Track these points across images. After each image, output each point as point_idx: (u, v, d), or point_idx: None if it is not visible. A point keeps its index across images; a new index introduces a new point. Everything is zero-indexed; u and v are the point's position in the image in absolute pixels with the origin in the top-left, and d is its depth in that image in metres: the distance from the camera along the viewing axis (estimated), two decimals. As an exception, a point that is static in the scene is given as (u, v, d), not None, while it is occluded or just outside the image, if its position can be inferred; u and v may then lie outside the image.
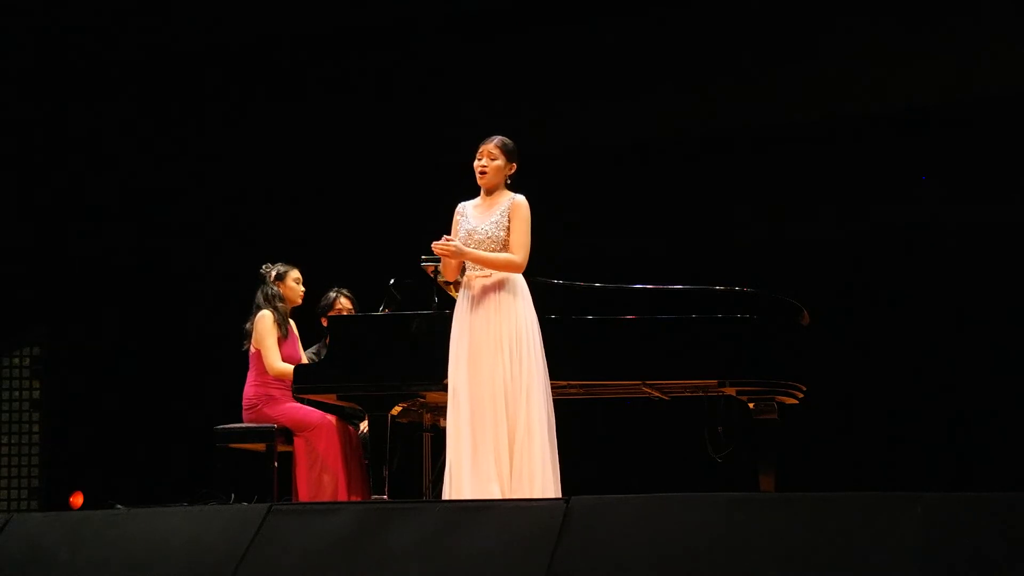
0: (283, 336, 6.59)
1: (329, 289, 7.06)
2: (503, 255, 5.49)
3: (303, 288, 6.76)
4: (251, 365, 6.62)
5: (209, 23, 8.89)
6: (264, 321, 6.57)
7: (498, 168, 5.56)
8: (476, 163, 5.58)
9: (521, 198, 5.55)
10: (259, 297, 6.67)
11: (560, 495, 5.31)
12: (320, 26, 8.99)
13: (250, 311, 6.69)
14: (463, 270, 5.60)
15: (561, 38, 8.76)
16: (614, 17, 8.62)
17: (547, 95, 8.78)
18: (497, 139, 5.58)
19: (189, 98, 9.34)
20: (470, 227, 5.54)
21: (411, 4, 8.76)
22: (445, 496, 5.35)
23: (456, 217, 5.64)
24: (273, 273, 6.70)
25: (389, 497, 5.95)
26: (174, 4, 8.81)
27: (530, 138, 8.40)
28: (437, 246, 5.47)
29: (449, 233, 5.59)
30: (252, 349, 6.61)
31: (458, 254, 5.45)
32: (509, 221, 5.50)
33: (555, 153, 8.74)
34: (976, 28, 8.02)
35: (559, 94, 8.78)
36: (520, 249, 5.48)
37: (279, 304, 6.63)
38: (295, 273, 6.75)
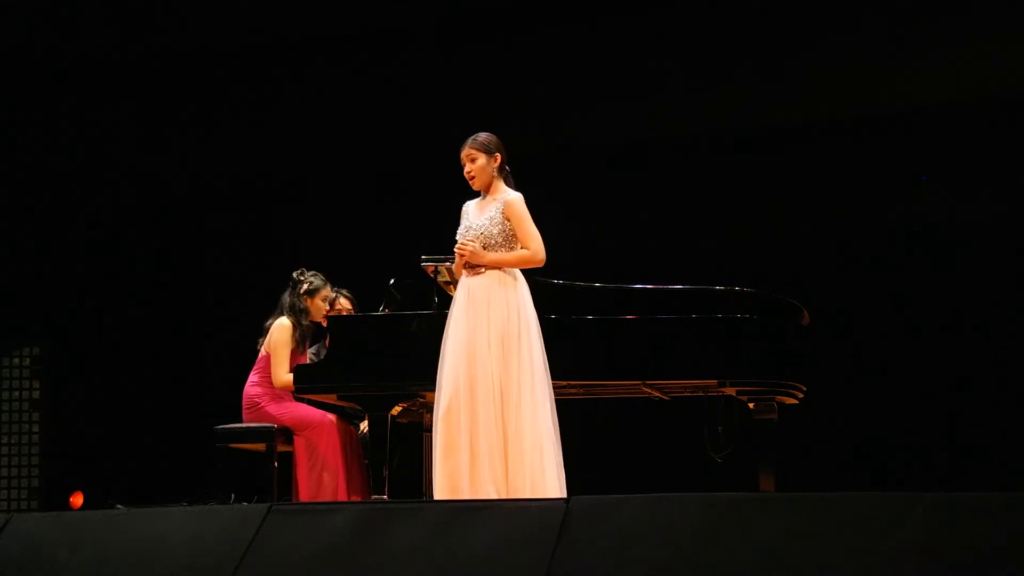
0: (299, 351, 6.60)
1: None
2: (518, 252, 5.49)
3: (328, 307, 6.75)
4: (256, 366, 6.62)
5: (210, 23, 8.89)
6: (283, 331, 6.56)
7: (482, 167, 5.57)
8: (464, 173, 5.61)
9: (514, 195, 5.55)
10: (285, 302, 6.65)
11: (564, 493, 5.31)
12: (320, 27, 8.99)
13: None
14: None
15: (561, 38, 8.76)
16: (615, 18, 8.63)
17: (548, 95, 8.78)
18: (468, 141, 5.60)
19: (190, 98, 9.35)
20: (468, 224, 5.57)
21: (412, 4, 8.76)
22: (437, 495, 5.33)
23: (462, 216, 5.65)
24: (305, 286, 6.68)
25: (389, 497, 5.95)
26: (176, 4, 8.81)
27: (530, 138, 8.47)
28: (458, 245, 5.49)
29: (456, 234, 5.60)
30: (262, 351, 6.61)
31: (475, 255, 5.46)
32: (506, 220, 5.50)
33: (555, 153, 8.75)
34: (976, 28, 8.02)
35: (560, 94, 8.78)
36: (530, 242, 5.49)
37: (304, 322, 6.63)
38: (326, 292, 6.73)
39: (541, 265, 5.55)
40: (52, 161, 9.48)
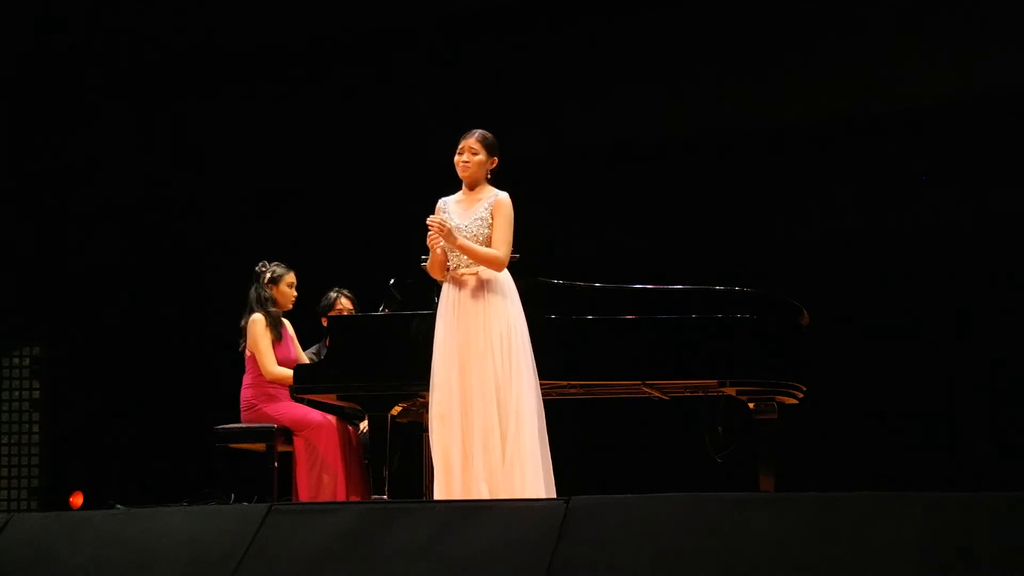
0: (277, 339, 6.57)
1: (329, 289, 7.06)
2: (488, 250, 5.45)
3: (296, 293, 6.73)
4: (247, 367, 6.62)
5: (209, 24, 8.89)
6: (256, 325, 6.54)
7: (480, 163, 5.53)
8: (457, 158, 5.55)
9: (504, 195, 5.53)
10: (252, 296, 6.64)
11: (553, 494, 5.32)
12: (319, 26, 8.99)
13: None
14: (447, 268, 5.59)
15: (560, 38, 8.76)
16: (613, 18, 8.63)
17: (547, 94, 8.78)
18: (478, 133, 5.55)
19: (188, 98, 9.35)
20: (453, 224, 5.50)
21: (412, 4, 8.76)
22: (436, 496, 5.34)
23: (438, 212, 5.58)
24: (268, 275, 6.65)
25: (389, 497, 5.95)
26: (176, 5, 8.80)
27: (530, 138, 8.47)
28: (433, 220, 5.42)
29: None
30: (247, 352, 6.60)
31: (450, 236, 5.40)
32: (492, 218, 5.49)
33: (555, 153, 8.75)
34: (975, 28, 8.02)
35: (559, 93, 8.78)
36: (502, 246, 5.45)
37: (271, 309, 6.60)
38: (290, 277, 6.71)
39: (499, 270, 5.47)
40: (52, 161, 9.48)
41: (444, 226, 5.41)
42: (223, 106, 9.34)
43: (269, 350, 6.51)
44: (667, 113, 8.70)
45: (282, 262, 6.73)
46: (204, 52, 9.14)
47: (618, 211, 8.76)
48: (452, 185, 5.66)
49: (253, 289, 6.65)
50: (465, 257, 5.47)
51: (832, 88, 8.37)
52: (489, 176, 5.58)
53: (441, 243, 5.43)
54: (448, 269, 5.53)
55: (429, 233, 5.45)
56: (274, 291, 6.64)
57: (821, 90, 8.41)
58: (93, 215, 9.60)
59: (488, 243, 5.47)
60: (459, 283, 5.49)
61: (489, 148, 5.55)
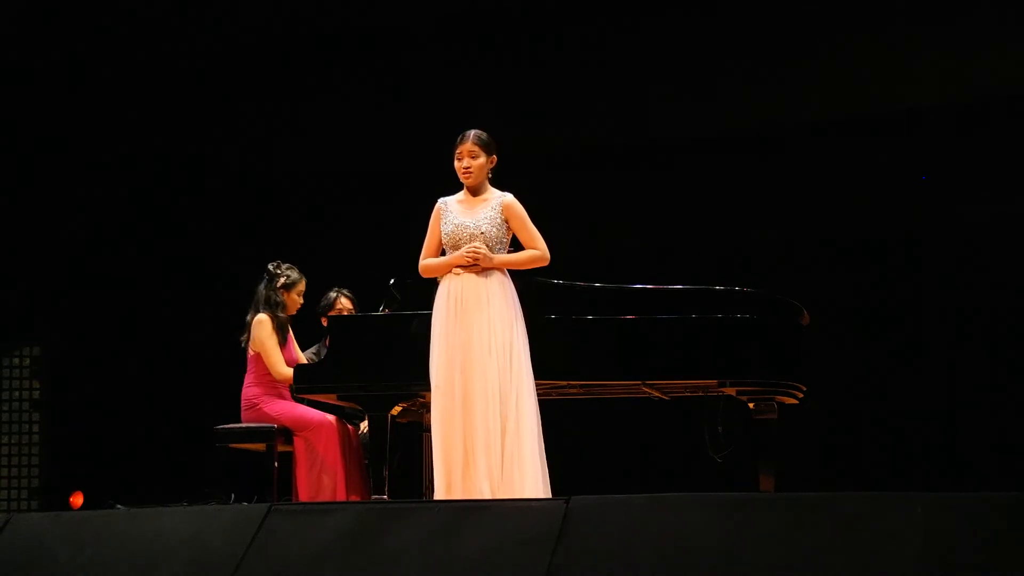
0: (282, 343, 6.56)
1: (329, 289, 7.06)
2: (528, 252, 5.50)
3: (303, 301, 6.72)
4: (249, 367, 6.60)
5: (213, 21, 8.89)
6: (264, 327, 6.52)
7: (481, 166, 5.52)
8: (457, 164, 5.54)
9: (510, 197, 5.53)
10: (261, 295, 6.60)
11: (550, 493, 5.32)
12: (324, 26, 8.99)
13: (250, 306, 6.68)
14: None
15: (561, 39, 8.76)
16: (616, 20, 8.63)
17: (548, 95, 8.78)
18: (472, 135, 5.53)
19: (190, 97, 9.34)
20: (458, 222, 5.48)
21: (412, 4, 8.76)
22: (436, 495, 5.34)
23: (437, 213, 5.58)
24: (282, 280, 6.62)
25: (389, 497, 5.96)
26: (176, 4, 8.80)
27: (531, 137, 8.47)
28: (469, 251, 5.43)
29: (439, 232, 5.54)
30: (251, 352, 6.59)
31: (486, 259, 5.43)
32: (506, 222, 5.49)
33: (556, 152, 8.75)
34: (975, 29, 8.02)
35: (561, 94, 8.78)
36: (537, 241, 5.50)
37: (280, 313, 6.59)
38: (302, 285, 6.66)
39: (547, 264, 5.55)
40: (51, 160, 9.47)
41: (478, 253, 5.42)
42: (224, 105, 9.33)
43: (277, 352, 6.50)
44: (667, 113, 8.70)
45: (294, 267, 6.71)
46: (204, 49, 9.12)
47: (618, 211, 8.76)
48: (452, 184, 5.66)
49: (263, 288, 6.62)
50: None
51: (832, 88, 8.37)
52: (490, 175, 5.58)
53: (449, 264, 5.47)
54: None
55: (469, 256, 5.42)
56: (285, 297, 6.62)
57: (821, 90, 8.41)
58: (93, 214, 9.59)
59: (500, 243, 5.48)
60: (459, 282, 5.48)
61: (487, 148, 5.54)
